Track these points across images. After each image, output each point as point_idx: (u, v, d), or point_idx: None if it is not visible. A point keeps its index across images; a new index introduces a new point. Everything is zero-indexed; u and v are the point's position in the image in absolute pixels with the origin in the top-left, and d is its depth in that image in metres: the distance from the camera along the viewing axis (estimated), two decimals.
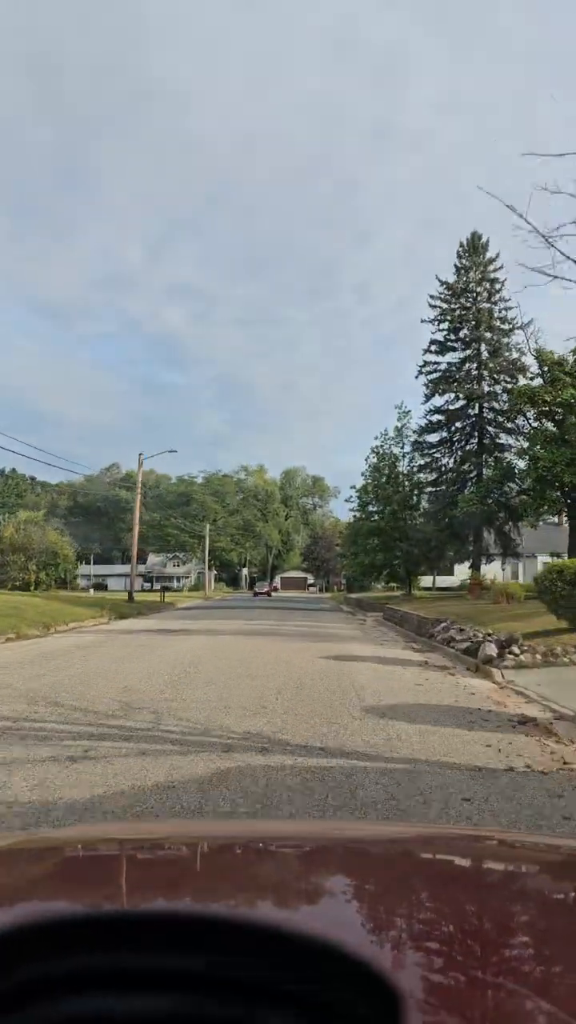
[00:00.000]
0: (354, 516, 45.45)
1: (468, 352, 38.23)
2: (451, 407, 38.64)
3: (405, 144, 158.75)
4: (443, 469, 39.95)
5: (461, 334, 38.34)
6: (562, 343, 36.44)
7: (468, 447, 38.76)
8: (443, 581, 59.40)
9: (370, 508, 42.75)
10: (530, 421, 30.09)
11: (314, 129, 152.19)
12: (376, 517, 42.00)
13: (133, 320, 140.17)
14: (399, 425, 41.26)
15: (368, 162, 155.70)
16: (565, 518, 30.07)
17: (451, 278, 38.67)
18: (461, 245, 38.39)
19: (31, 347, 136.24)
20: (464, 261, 38.42)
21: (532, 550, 42.67)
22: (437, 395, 39.09)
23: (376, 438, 42.82)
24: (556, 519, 35.68)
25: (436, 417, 39.48)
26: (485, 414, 37.64)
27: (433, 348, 39.09)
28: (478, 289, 38.04)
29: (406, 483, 41.38)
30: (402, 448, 41.60)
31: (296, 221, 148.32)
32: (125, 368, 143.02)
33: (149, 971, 0.46)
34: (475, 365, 37.95)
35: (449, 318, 38.11)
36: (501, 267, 37.81)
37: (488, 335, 37.47)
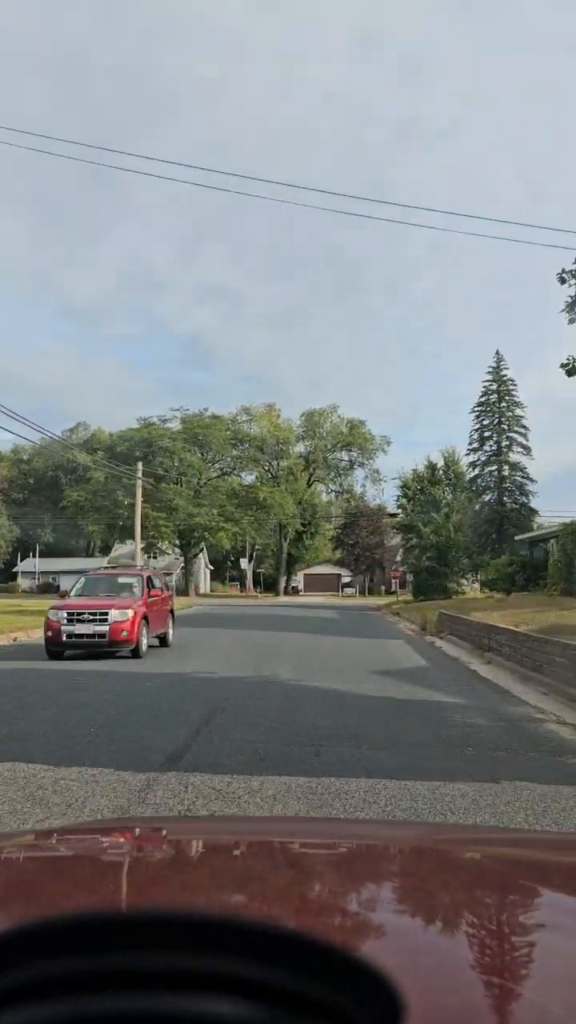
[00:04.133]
0: None
1: None
2: None
3: (432, 140, 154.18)
4: None
5: None
6: None
7: None
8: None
9: None
10: None
11: (341, 127, 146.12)
12: None
13: (161, 321, 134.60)
14: None
15: (395, 159, 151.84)
16: None
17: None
18: None
19: (59, 349, 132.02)
20: None
21: None
22: None
23: None
24: None
25: None
26: None
27: None
28: None
29: None
30: None
31: (323, 220, 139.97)
32: (153, 369, 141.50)
33: (147, 972, 0.47)
34: None
35: None
36: None
37: None
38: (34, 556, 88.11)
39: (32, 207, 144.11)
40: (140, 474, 35.50)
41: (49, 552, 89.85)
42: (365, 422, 70.05)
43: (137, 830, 2.03)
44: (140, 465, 35.83)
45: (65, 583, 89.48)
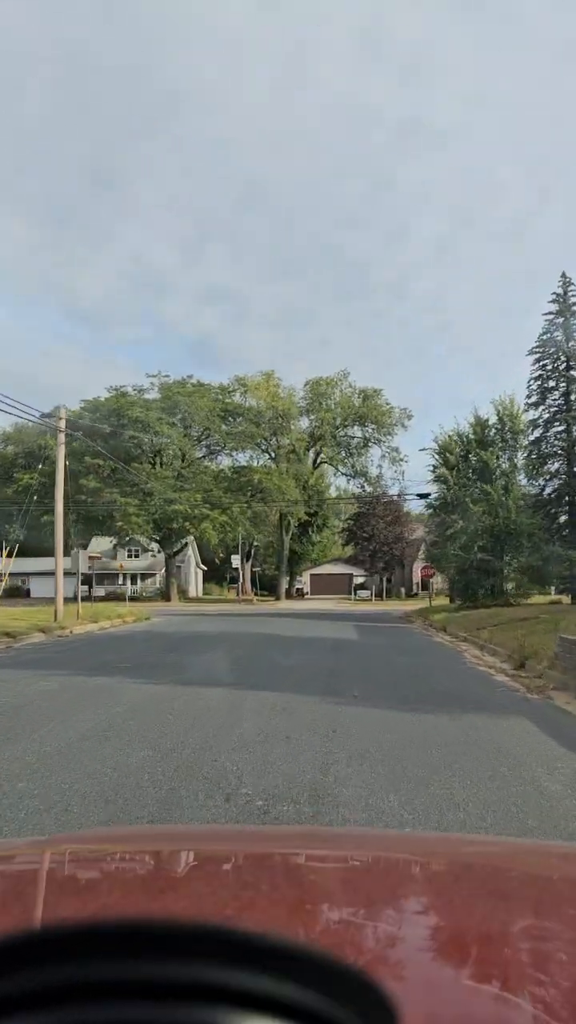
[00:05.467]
0: None
1: None
2: None
3: (435, 141, 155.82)
4: None
5: None
6: None
7: None
8: None
9: None
10: None
11: (346, 128, 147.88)
12: None
13: (164, 323, 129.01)
14: None
15: (402, 160, 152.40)
16: None
17: None
18: None
19: (67, 352, 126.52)
20: None
21: None
22: None
23: None
24: None
25: None
26: None
27: None
28: None
29: None
30: None
31: (329, 221, 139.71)
32: (156, 371, 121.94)
33: (139, 981, 0.46)
34: None
35: None
36: None
37: None
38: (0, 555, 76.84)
39: (33, 208, 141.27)
40: (63, 425, 24.12)
41: (20, 551, 78.62)
42: (381, 391, 58.31)
43: (133, 840, 2.02)
44: (63, 410, 24.49)
45: (36, 586, 78.66)
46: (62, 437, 24.21)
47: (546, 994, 0.88)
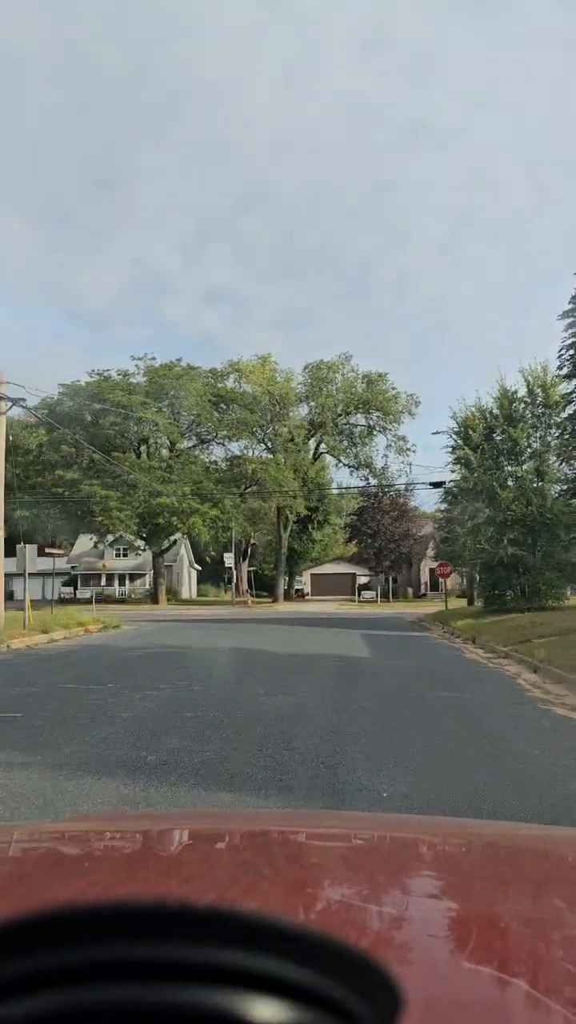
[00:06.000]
0: None
1: None
2: None
3: (439, 141, 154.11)
4: None
5: None
6: None
7: None
8: None
9: None
10: None
11: (346, 129, 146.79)
12: None
13: (168, 324, 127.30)
14: None
15: (402, 161, 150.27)
16: None
17: None
18: None
19: (67, 352, 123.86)
20: None
21: None
22: None
23: None
24: None
25: None
26: None
27: None
28: None
29: None
30: None
31: (330, 221, 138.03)
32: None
33: (142, 962, 0.46)
34: None
35: None
36: None
37: None
38: None
39: (34, 208, 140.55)
40: (5, 391, 19.61)
41: (7, 550, 73.89)
42: (386, 375, 53.67)
43: (132, 823, 2.01)
44: (3, 373, 19.96)
45: (20, 587, 73.60)
46: (2, 405, 19.72)
47: (550, 979, 0.87)
